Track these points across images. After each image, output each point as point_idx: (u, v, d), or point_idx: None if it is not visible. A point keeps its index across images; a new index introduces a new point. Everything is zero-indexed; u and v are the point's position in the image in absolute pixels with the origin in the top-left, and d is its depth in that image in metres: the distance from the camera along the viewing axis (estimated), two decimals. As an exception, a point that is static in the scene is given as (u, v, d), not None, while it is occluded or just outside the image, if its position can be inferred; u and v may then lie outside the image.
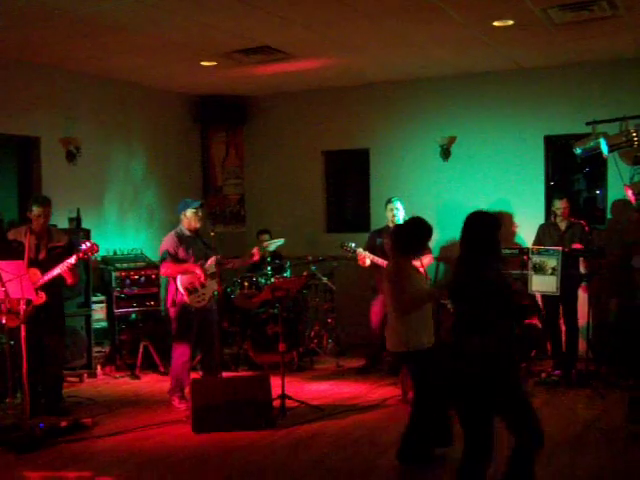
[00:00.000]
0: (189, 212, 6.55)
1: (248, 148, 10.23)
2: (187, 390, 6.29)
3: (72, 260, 5.95)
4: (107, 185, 8.74)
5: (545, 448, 4.14)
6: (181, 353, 6.50)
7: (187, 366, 6.54)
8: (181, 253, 6.49)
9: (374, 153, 9.43)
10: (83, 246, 6.02)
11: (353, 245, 7.58)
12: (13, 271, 5.51)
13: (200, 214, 6.59)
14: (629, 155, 7.40)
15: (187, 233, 6.55)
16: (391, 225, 7.77)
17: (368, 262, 7.53)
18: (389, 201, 7.86)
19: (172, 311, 6.51)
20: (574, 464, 4.91)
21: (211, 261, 6.50)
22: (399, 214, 7.72)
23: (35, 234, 6.14)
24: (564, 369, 7.10)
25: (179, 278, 6.45)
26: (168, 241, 6.53)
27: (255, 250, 6.76)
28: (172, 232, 6.60)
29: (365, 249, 7.61)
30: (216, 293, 6.53)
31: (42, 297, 5.96)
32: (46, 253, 6.19)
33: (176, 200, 9.46)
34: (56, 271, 5.95)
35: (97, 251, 6.12)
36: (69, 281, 6.09)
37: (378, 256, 7.54)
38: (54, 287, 6.10)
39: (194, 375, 6.64)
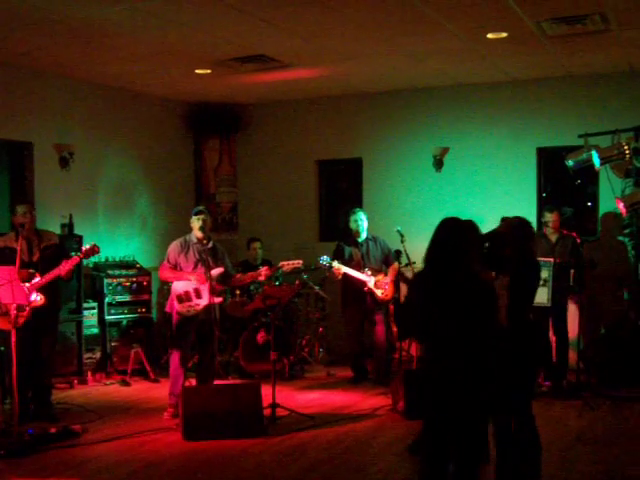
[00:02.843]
0: (192, 219, 6.53)
1: (241, 156, 10.24)
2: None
3: (75, 260, 6.02)
4: (100, 191, 8.72)
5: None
6: (175, 365, 6.44)
7: (180, 376, 6.42)
8: (181, 260, 6.47)
9: (367, 163, 9.46)
10: (85, 246, 6.09)
11: (327, 258, 7.58)
12: (4, 276, 5.49)
13: (201, 223, 6.43)
14: (621, 168, 7.47)
15: (195, 240, 6.51)
16: (358, 237, 7.75)
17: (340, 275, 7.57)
18: (353, 212, 7.82)
19: (173, 318, 6.49)
20: (564, 476, 4.90)
21: (215, 273, 6.38)
22: (363, 225, 7.73)
23: (25, 237, 6.11)
24: (554, 380, 7.12)
25: (174, 285, 6.46)
26: (171, 247, 6.55)
27: (264, 269, 6.68)
28: (181, 238, 6.58)
29: (332, 259, 7.61)
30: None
31: (41, 299, 5.95)
32: (39, 254, 6.18)
33: (168, 207, 9.56)
34: (57, 272, 5.96)
35: (98, 252, 6.18)
36: (63, 274, 6.05)
37: (348, 267, 7.57)
38: (52, 291, 6.09)
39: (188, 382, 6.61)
